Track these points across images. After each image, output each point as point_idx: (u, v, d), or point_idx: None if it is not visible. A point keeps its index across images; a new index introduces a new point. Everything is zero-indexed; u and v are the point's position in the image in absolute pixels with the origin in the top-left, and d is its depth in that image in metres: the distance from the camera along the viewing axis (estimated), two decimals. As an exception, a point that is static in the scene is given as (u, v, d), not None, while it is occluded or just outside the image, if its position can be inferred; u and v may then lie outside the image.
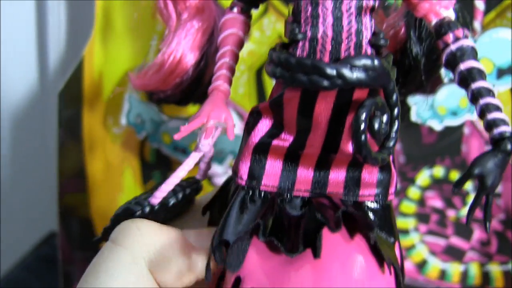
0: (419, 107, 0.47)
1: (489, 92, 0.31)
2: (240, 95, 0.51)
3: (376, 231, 0.32)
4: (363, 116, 0.30)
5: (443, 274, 0.53)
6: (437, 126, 0.48)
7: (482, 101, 0.31)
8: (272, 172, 0.33)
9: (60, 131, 0.54)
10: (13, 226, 0.65)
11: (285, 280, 0.31)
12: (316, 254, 0.29)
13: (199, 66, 0.38)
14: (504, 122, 0.31)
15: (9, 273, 0.65)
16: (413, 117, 0.48)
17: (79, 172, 0.56)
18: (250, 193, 0.33)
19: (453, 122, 0.47)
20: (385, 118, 0.31)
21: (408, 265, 0.53)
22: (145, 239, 0.33)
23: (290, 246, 0.31)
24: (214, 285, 0.33)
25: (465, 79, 0.32)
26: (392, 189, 0.34)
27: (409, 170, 0.51)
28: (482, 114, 0.31)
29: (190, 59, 0.38)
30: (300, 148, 0.33)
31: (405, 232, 0.52)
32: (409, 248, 0.53)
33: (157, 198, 0.35)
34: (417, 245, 0.53)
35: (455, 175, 0.50)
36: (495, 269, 0.52)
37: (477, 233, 0.51)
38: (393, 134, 0.32)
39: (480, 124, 0.47)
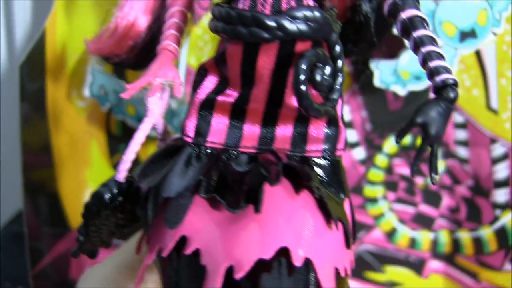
0: (382, 72, 0.47)
1: (431, 40, 0.31)
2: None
3: (322, 186, 0.33)
4: (303, 66, 0.30)
5: (413, 242, 0.53)
6: (401, 91, 0.48)
7: (424, 49, 0.31)
8: (218, 128, 0.33)
9: (22, 105, 0.54)
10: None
11: (232, 238, 0.31)
12: (257, 209, 0.30)
13: (152, 29, 0.38)
14: (446, 69, 0.31)
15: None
16: (377, 82, 0.47)
17: (44, 148, 0.56)
18: (196, 150, 0.33)
19: (417, 87, 0.47)
20: (327, 69, 0.32)
21: (378, 234, 0.53)
22: None
23: (233, 203, 0.31)
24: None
25: (406, 28, 0.32)
26: (340, 145, 0.34)
27: (376, 137, 0.51)
28: (424, 62, 0.31)
29: (143, 22, 0.38)
30: (245, 103, 0.33)
31: (374, 200, 0.52)
32: (378, 216, 0.53)
33: (121, 172, 0.35)
34: (386, 213, 0.53)
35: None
36: (465, 236, 0.52)
37: (446, 200, 0.52)
38: (337, 86, 0.32)
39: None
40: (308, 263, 0.31)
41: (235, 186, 0.31)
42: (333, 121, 0.33)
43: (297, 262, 0.30)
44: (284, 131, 0.33)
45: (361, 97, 0.50)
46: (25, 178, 0.56)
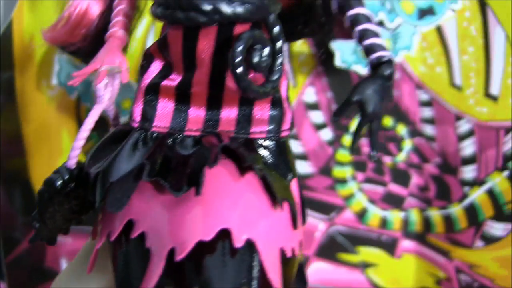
0: (343, 52, 0.48)
1: (367, 19, 0.32)
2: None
3: (267, 168, 0.33)
4: (239, 48, 0.31)
5: (384, 222, 0.54)
6: (362, 70, 0.48)
7: (359, 27, 0.32)
8: (164, 112, 0.34)
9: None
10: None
11: (176, 221, 0.32)
12: (197, 191, 0.30)
13: (105, 17, 0.39)
14: (381, 47, 0.32)
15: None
16: (338, 62, 0.48)
17: (16, 137, 0.57)
18: (143, 134, 0.34)
19: (377, 65, 0.48)
20: (266, 51, 0.32)
21: (348, 215, 0.54)
22: None
23: (176, 185, 0.31)
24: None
25: (342, 7, 0.32)
26: (285, 126, 0.34)
27: (342, 118, 0.51)
28: (360, 39, 0.32)
29: (95, 10, 0.39)
30: (188, 87, 0.34)
31: (343, 181, 0.53)
32: (348, 197, 0.54)
33: (72, 158, 0.36)
34: (356, 194, 0.53)
35: (388, 121, 0.51)
36: (435, 214, 0.53)
37: (415, 179, 0.52)
38: (276, 67, 0.32)
39: (410, 67, 0.48)
40: (250, 244, 0.31)
41: (179, 169, 0.32)
42: (277, 103, 0.34)
43: (238, 243, 0.31)
44: (228, 114, 0.34)
45: (326, 78, 0.51)
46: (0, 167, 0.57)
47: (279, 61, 0.33)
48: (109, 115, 0.38)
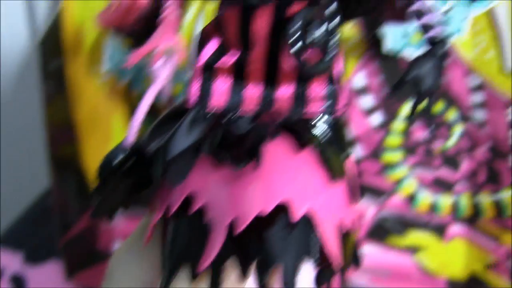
0: (393, 36, 0.48)
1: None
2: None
3: (324, 144, 0.34)
4: (296, 26, 0.32)
5: (433, 207, 0.54)
6: (411, 54, 0.48)
7: (415, 6, 0.33)
8: (220, 91, 0.35)
9: (44, 83, 0.56)
10: (14, 182, 0.69)
11: (235, 195, 0.33)
12: (257, 164, 0.32)
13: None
14: (436, 26, 0.32)
15: (14, 224, 0.69)
16: (388, 46, 0.48)
17: (67, 124, 0.59)
18: (200, 113, 0.35)
19: (427, 50, 0.48)
20: (322, 28, 0.33)
21: (398, 199, 0.55)
22: None
23: (235, 159, 0.32)
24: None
25: None
26: (341, 103, 0.35)
27: (393, 102, 0.52)
28: (415, 18, 0.33)
29: None
30: (243, 66, 0.35)
31: (393, 165, 0.54)
32: (398, 181, 0.54)
33: (130, 135, 0.37)
34: (406, 178, 0.54)
35: (439, 106, 0.51)
36: (485, 200, 0.53)
37: (465, 164, 0.52)
38: (332, 45, 0.33)
39: (461, 51, 0.48)
40: (309, 218, 0.33)
41: (237, 144, 0.33)
42: (332, 80, 0.35)
43: (297, 216, 0.32)
44: (284, 92, 0.35)
45: (376, 63, 0.51)
46: (51, 155, 0.59)
47: (335, 38, 0.33)
48: (164, 96, 0.39)
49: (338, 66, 0.36)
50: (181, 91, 0.53)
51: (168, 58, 0.37)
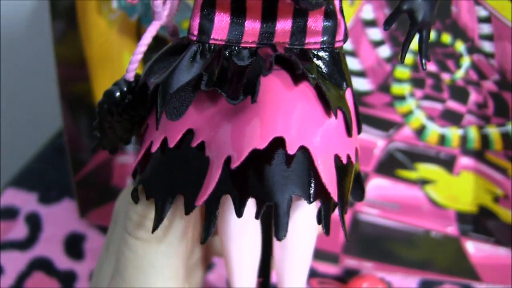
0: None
1: None
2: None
3: (321, 77, 0.37)
4: None
5: (442, 139, 0.57)
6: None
7: None
8: (220, 25, 0.37)
9: (55, 22, 0.59)
10: (28, 123, 0.72)
11: (233, 131, 0.35)
12: (253, 99, 0.34)
13: None
14: None
15: (28, 165, 0.73)
16: (394, -21, 0.51)
17: (79, 62, 0.61)
18: (201, 47, 0.37)
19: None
20: None
21: (407, 131, 0.57)
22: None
23: (232, 94, 0.35)
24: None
25: None
26: (339, 37, 0.38)
27: (400, 34, 0.54)
28: None
29: None
30: (243, 0, 0.37)
31: (402, 98, 0.56)
32: (406, 114, 0.57)
33: (130, 71, 0.40)
34: (415, 110, 0.57)
35: (446, 38, 0.53)
36: (494, 131, 0.56)
37: (473, 96, 0.55)
38: None
39: (469, -17, 0.50)
40: (305, 151, 0.35)
41: (235, 79, 0.35)
42: (330, 14, 0.37)
43: (292, 150, 0.34)
44: (283, 25, 0.37)
45: (384, -5, 0.54)
46: (63, 93, 0.62)
47: None
48: (168, 32, 0.42)
49: (337, 0, 0.38)
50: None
51: None
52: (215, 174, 0.34)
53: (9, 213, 0.67)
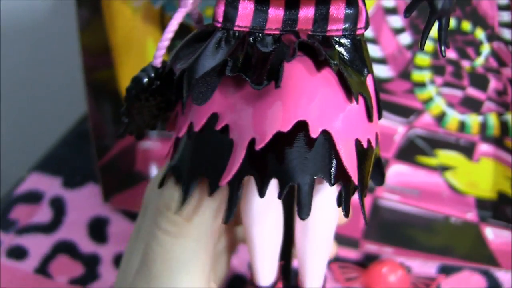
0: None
1: None
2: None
3: (343, 63, 0.38)
4: None
5: (462, 126, 0.58)
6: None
7: None
8: (245, 13, 0.39)
9: (80, 10, 0.61)
10: (53, 108, 0.74)
11: (257, 114, 0.36)
12: (277, 85, 0.35)
13: None
14: None
15: (52, 150, 0.75)
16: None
17: (104, 49, 0.63)
18: (225, 34, 0.39)
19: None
20: None
21: (428, 118, 0.59)
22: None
23: (256, 80, 0.36)
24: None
25: None
26: (361, 24, 0.39)
27: (421, 22, 0.56)
28: None
29: None
30: None
31: (422, 85, 0.58)
32: (427, 101, 0.58)
33: (157, 58, 0.41)
34: (435, 97, 0.58)
35: (466, 26, 0.55)
36: (513, 119, 0.57)
37: (493, 83, 0.56)
38: None
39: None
40: (326, 135, 0.36)
41: (259, 65, 0.37)
42: (352, 2, 0.38)
43: (314, 134, 0.35)
44: (306, 13, 0.38)
45: (405, -17, 0.55)
46: (88, 79, 0.63)
47: None
48: (193, 19, 0.43)
49: None
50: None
51: None
52: (239, 155, 0.36)
53: (34, 197, 0.69)
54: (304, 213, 0.36)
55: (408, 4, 0.36)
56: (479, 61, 0.56)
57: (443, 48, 0.37)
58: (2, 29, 0.80)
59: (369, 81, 0.39)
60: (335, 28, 0.38)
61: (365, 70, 0.39)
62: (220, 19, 0.39)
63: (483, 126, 0.58)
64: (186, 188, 0.39)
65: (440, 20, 0.36)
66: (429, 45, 0.56)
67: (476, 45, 0.55)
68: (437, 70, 0.57)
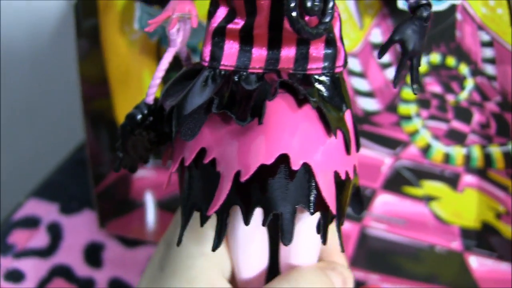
0: (406, -6, 0.54)
1: None
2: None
3: (322, 100, 0.40)
4: None
5: (447, 157, 0.60)
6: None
7: None
8: (230, 52, 0.41)
9: (79, 41, 0.63)
10: (51, 135, 0.75)
11: (242, 148, 0.39)
12: (260, 121, 0.38)
13: None
14: None
15: (50, 176, 0.77)
16: (400, 5, 0.54)
17: (101, 79, 0.65)
18: (212, 72, 0.41)
19: (438, 7, 0.53)
20: None
21: (414, 150, 0.61)
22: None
23: (241, 116, 0.38)
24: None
25: None
26: (339, 62, 0.41)
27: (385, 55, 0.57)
28: None
29: None
30: (250, 29, 0.41)
31: (408, 118, 0.60)
32: (413, 133, 0.60)
33: (150, 95, 0.44)
34: (421, 130, 0.60)
35: (451, 61, 0.57)
36: (496, 151, 0.59)
37: (477, 117, 0.58)
38: (328, 10, 0.39)
39: (472, 9, 0.54)
40: (307, 167, 0.39)
41: (243, 102, 0.39)
42: (331, 42, 0.41)
43: (295, 166, 0.38)
44: (287, 53, 0.41)
45: (391, 20, 0.57)
46: (86, 108, 0.65)
47: (330, 4, 0.39)
48: (182, 57, 0.45)
49: (336, 29, 0.42)
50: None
51: (183, 23, 0.43)
52: (225, 186, 0.38)
53: (32, 222, 0.71)
54: (287, 239, 0.38)
55: (381, 46, 0.39)
56: (463, 95, 0.58)
57: (414, 86, 0.39)
58: (2, 56, 0.82)
59: (347, 116, 0.42)
60: (315, 66, 0.41)
61: (344, 106, 0.42)
62: (207, 58, 0.41)
63: (467, 158, 0.60)
64: (184, 222, 0.41)
65: (411, 60, 0.39)
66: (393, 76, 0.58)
67: (460, 80, 0.57)
68: (423, 103, 0.59)
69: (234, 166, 0.38)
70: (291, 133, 0.38)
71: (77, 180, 0.75)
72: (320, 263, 0.46)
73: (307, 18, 0.39)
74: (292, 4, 0.37)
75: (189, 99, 0.40)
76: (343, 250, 0.41)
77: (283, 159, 0.38)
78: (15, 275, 0.65)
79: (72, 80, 0.68)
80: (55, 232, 0.70)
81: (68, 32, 0.70)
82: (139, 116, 0.43)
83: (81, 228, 0.70)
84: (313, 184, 0.39)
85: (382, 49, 0.39)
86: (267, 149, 0.38)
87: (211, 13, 0.42)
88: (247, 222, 0.39)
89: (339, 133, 0.40)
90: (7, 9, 0.78)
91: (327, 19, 0.39)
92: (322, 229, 0.40)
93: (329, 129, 0.40)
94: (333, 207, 0.40)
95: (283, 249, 0.45)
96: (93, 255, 0.67)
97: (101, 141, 0.67)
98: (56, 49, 0.73)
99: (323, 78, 0.41)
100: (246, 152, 0.38)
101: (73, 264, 0.66)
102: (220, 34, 0.41)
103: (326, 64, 0.41)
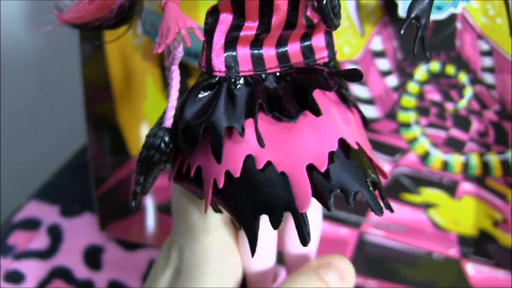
0: (405, 3, 0.54)
1: None
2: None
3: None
4: None
5: (445, 165, 0.61)
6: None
7: None
8: (244, 58, 0.42)
9: (83, 45, 0.63)
10: (53, 138, 0.76)
11: (292, 145, 0.40)
12: (317, 113, 0.39)
13: None
14: None
15: (51, 179, 0.77)
16: (401, 12, 0.55)
17: (104, 83, 0.66)
18: (233, 81, 0.41)
19: (439, 16, 0.54)
20: None
21: (412, 157, 0.61)
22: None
23: (289, 114, 0.40)
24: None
25: None
26: (335, 49, 0.44)
27: (407, 65, 0.58)
28: None
29: None
30: (266, 31, 0.41)
31: (407, 125, 0.60)
32: (412, 140, 0.61)
33: (168, 119, 0.41)
34: (419, 137, 0.60)
35: (450, 69, 0.57)
36: (494, 159, 0.59)
37: (475, 125, 0.59)
38: (335, 2, 0.41)
39: (472, 18, 0.54)
40: (359, 146, 0.41)
41: (283, 100, 0.40)
42: (328, 32, 0.44)
43: (354, 145, 0.41)
44: (293, 48, 0.43)
45: (392, 27, 0.58)
46: (88, 112, 0.65)
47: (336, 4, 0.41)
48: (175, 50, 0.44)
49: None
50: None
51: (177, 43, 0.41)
52: (304, 182, 0.39)
53: (32, 224, 0.71)
54: (379, 211, 0.40)
55: (401, 24, 0.41)
56: (462, 103, 0.58)
57: (427, 54, 0.42)
58: (5, 59, 0.82)
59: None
60: (321, 55, 0.43)
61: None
62: (223, 69, 0.41)
63: (465, 166, 0.61)
64: (253, 230, 0.40)
65: (422, 32, 0.41)
66: (414, 88, 0.59)
67: (460, 88, 0.58)
68: (422, 111, 0.60)
69: (302, 161, 0.39)
70: (334, 119, 0.41)
71: (78, 183, 0.76)
72: (314, 262, 0.46)
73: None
74: (326, 1, 0.39)
75: (223, 110, 0.40)
76: (388, 207, 0.43)
77: (341, 142, 0.40)
78: (15, 276, 0.65)
79: (75, 84, 0.68)
80: (55, 234, 0.70)
81: (72, 36, 0.71)
82: (163, 145, 0.40)
83: (81, 230, 0.71)
84: (366, 158, 0.41)
85: (403, 24, 0.41)
86: (329, 137, 0.40)
87: (209, 24, 0.41)
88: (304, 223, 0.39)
89: (354, 110, 0.44)
90: (8, 11, 0.79)
91: (339, 16, 0.42)
92: (384, 198, 0.42)
93: (350, 106, 0.43)
94: (384, 175, 0.43)
95: (289, 238, 0.47)
96: (93, 257, 0.68)
97: (103, 145, 0.67)
98: (60, 52, 0.73)
99: (330, 64, 0.44)
100: (307, 146, 0.40)
101: (72, 266, 0.67)
102: (231, 42, 0.41)
103: (328, 51, 0.44)
